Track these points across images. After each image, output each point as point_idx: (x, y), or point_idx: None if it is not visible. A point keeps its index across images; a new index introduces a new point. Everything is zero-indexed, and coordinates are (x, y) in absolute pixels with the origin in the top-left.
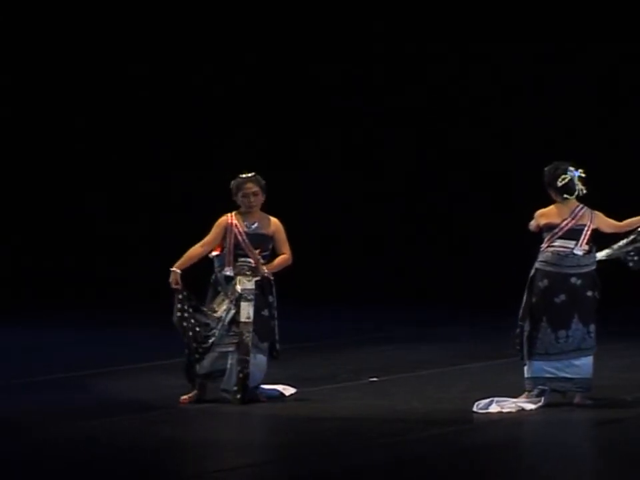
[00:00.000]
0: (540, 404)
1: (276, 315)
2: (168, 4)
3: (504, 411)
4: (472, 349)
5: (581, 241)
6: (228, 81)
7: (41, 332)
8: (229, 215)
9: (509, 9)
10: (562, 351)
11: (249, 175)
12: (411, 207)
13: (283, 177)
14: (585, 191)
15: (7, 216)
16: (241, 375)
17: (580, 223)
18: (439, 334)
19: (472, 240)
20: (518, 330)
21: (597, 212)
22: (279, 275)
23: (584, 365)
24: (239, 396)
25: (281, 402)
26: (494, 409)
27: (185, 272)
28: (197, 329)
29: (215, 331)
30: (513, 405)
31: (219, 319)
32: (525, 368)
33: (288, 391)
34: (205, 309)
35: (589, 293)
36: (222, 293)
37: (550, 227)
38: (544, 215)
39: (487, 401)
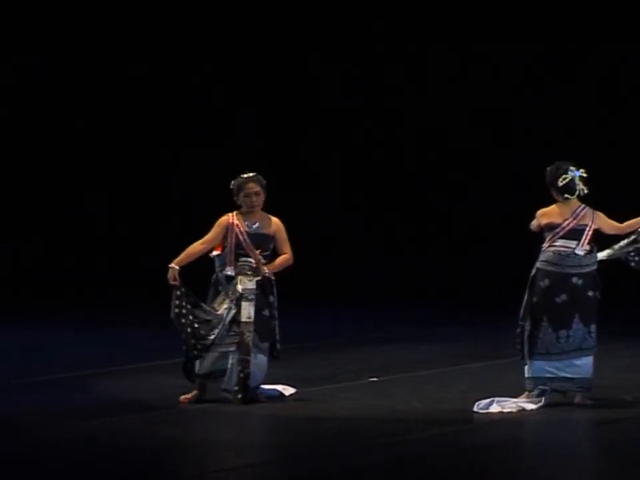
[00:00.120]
0: (540, 404)
1: (276, 315)
2: (168, 4)
3: (504, 410)
4: (472, 349)
5: (582, 241)
6: (228, 81)
7: (40, 332)
8: (230, 214)
9: (509, 9)
10: (563, 351)
11: (250, 174)
12: (411, 206)
13: (283, 176)
14: (586, 191)
15: (6, 216)
16: (241, 375)
17: (581, 222)
18: (439, 334)
19: (472, 240)
20: (519, 329)
21: (598, 212)
22: (279, 274)
23: (584, 364)
24: (239, 396)
25: (280, 402)
26: (494, 409)
27: (186, 272)
28: (196, 325)
29: (216, 330)
30: (514, 405)
31: (220, 316)
32: (526, 368)
33: (288, 390)
34: (204, 305)
35: (590, 293)
36: (222, 293)
37: (551, 227)
38: (545, 215)
39: (488, 400)
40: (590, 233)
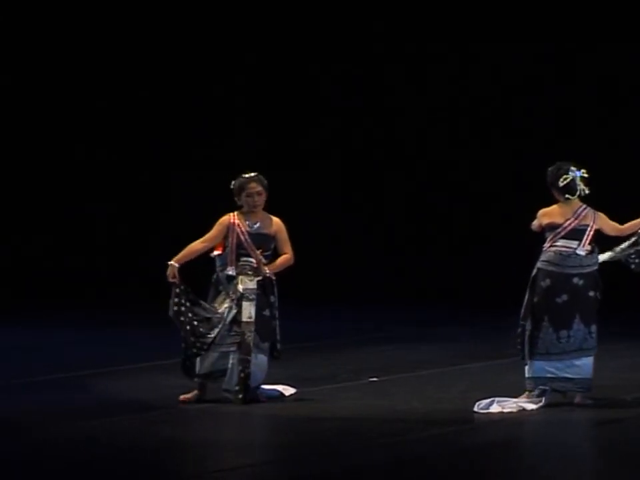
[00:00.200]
0: (541, 404)
1: (277, 315)
2: (168, 4)
3: (505, 411)
4: (472, 349)
5: (583, 241)
6: (228, 81)
7: (41, 332)
8: (231, 214)
9: (509, 9)
10: (563, 351)
11: (252, 174)
12: (411, 206)
13: (283, 176)
14: (587, 192)
15: (7, 216)
16: (242, 375)
17: (583, 223)
18: (439, 334)
19: (472, 240)
20: (519, 329)
21: (599, 213)
22: (280, 274)
23: (585, 365)
24: (240, 396)
25: (280, 402)
26: (495, 409)
27: (186, 272)
28: (195, 322)
29: (215, 329)
30: (514, 405)
31: (220, 315)
32: (526, 368)
33: (288, 391)
34: (203, 303)
35: (591, 293)
36: (223, 292)
37: (553, 227)
38: (547, 215)
39: (488, 400)
40: (591, 233)
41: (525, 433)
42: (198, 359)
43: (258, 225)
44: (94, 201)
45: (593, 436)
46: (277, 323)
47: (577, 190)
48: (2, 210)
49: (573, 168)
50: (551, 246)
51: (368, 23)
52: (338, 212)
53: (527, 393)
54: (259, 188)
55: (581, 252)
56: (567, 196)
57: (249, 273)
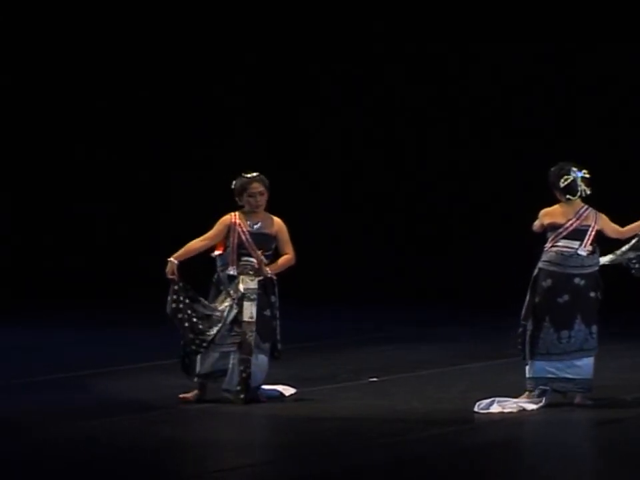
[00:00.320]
0: (541, 404)
1: (278, 315)
2: (168, 4)
3: (505, 411)
4: (472, 349)
5: (585, 242)
6: (228, 81)
7: (41, 332)
8: (232, 214)
9: (509, 9)
10: (564, 351)
11: (254, 174)
12: (411, 206)
13: (283, 176)
14: (588, 192)
15: (7, 216)
16: (243, 375)
17: (584, 223)
18: (439, 334)
19: (472, 240)
20: (520, 329)
21: (601, 214)
22: (280, 274)
23: (585, 365)
24: (242, 396)
25: (280, 402)
26: (495, 409)
27: (186, 272)
28: (194, 319)
29: (215, 328)
30: (514, 405)
31: (221, 312)
32: (527, 368)
33: (288, 391)
34: (203, 300)
35: (592, 294)
36: (224, 292)
37: (554, 227)
38: (548, 215)
39: (488, 401)
40: (593, 233)
41: (524, 433)
42: (198, 359)
43: (259, 224)
44: (94, 200)
45: (592, 436)
46: (278, 323)
47: (577, 190)
48: (2, 210)
49: (574, 169)
50: (552, 246)
51: (368, 23)
52: (338, 212)
53: (527, 393)
54: (261, 188)
55: (583, 252)
56: (568, 196)
57: (250, 272)
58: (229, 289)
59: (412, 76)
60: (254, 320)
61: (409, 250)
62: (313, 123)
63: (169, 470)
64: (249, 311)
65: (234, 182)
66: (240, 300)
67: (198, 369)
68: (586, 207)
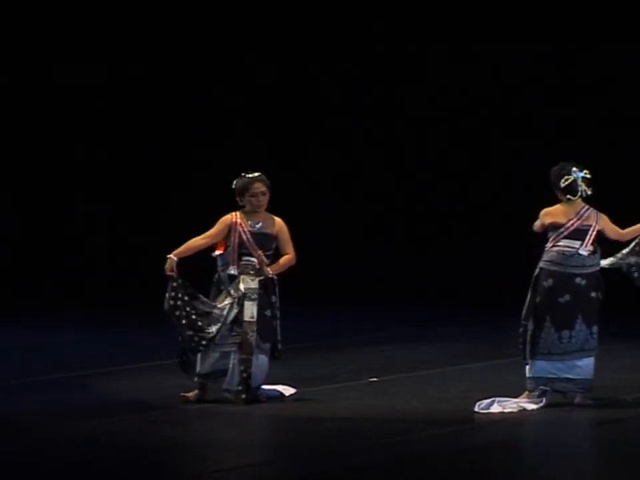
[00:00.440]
0: (541, 404)
1: (278, 315)
2: (168, 4)
3: (505, 411)
4: (472, 349)
5: (586, 242)
6: (228, 81)
7: (40, 332)
8: (233, 213)
9: (509, 9)
10: (565, 352)
11: (256, 174)
12: (411, 206)
13: (283, 176)
14: (589, 192)
15: (7, 216)
16: (244, 375)
17: (585, 223)
18: (439, 334)
19: (472, 240)
20: (521, 329)
21: (602, 214)
22: (280, 274)
23: (586, 365)
24: (243, 396)
25: (280, 402)
26: (495, 409)
27: (187, 272)
28: (193, 316)
29: (214, 327)
30: (515, 405)
31: (221, 309)
32: (527, 367)
33: (288, 391)
34: (202, 297)
35: (593, 294)
36: (225, 291)
37: (555, 227)
38: (549, 214)
39: (489, 401)
40: (594, 233)
41: (525, 433)
42: (198, 359)
43: (260, 224)
44: (94, 200)
45: (592, 436)
46: (278, 323)
47: (578, 191)
48: (2, 210)
49: (574, 169)
50: (553, 246)
51: (368, 22)
52: (338, 212)
53: (527, 392)
54: (263, 188)
55: (584, 252)
56: (568, 196)
57: (251, 272)
58: (230, 288)
59: (412, 76)
60: (255, 320)
61: (409, 250)
62: (313, 123)
63: (169, 470)
64: (250, 310)
65: (235, 182)
66: (241, 299)
67: (198, 368)
68: (587, 206)
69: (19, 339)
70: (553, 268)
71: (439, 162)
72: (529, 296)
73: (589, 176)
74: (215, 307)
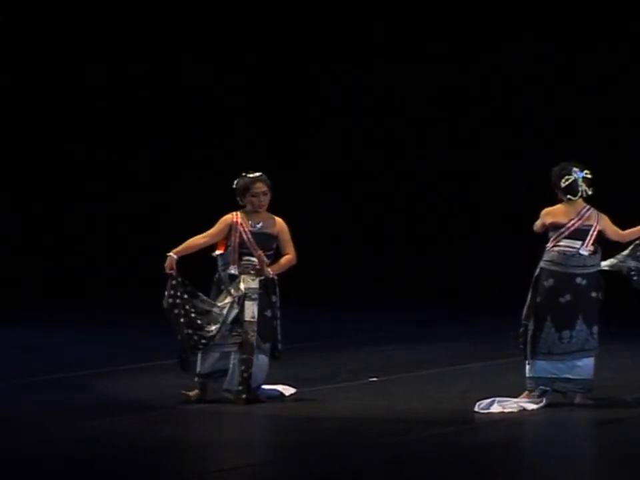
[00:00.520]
0: (541, 404)
1: (279, 315)
2: (168, 4)
3: (505, 411)
4: (472, 349)
5: (587, 242)
6: (228, 81)
7: (40, 332)
8: (233, 213)
9: (509, 9)
10: (565, 352)
11: (257, 174)
12: (411, 206)
13: (283, 176)
14: (589, 192)
15: (7, 216)
16: (245, 375)
17: (586, 223)
18: (439, 334)
19: (472, 240)
20: (522, 329)
21: (603, 215)
22: (280, 274)
23: (586, 365)
24: (243, 396)
25: (280, 402)
26: (495, 409)
27: (187, 272)
28: (193, 315)
29: (214, 326)
30: (515, 405)
31: (221, 308)
32: (527, 367)
33: (288, 391)
34: (202, 295)
35: (593, 294)
36: (225, 290)
37: (556, 226)
38: (550, 214)
39: (489, 401)
40: (594, 233)
41: (525, 433)
42: (199, 359)
43: (261, 224)
44: (94, 200)
45: (593, 436)
46: (279, 323)
47: (578, 191)
48: (2, 210)
49: (575, 169)
50: (554, 246)
51: (368, 23)
52: (338, 212)
53: (527, 392)
54: (265, 188)
55: (584, 252)
56: (569, 196)
57: (252, 272)
58: (230, 287)
59: (412, 76)
60: (255, 320)
61: (409, 250)
62: (313, 123)
63: (169, 470)
64: (251, 310)
65: (236, 182)
66: (241, 299)
67: (198, 368)
68: (588, 207)
69: (19, 339)
70: (553, 268)
71: (439, 162)
72: (529, 296)
73: (589, 176)
74: (215, 305)
